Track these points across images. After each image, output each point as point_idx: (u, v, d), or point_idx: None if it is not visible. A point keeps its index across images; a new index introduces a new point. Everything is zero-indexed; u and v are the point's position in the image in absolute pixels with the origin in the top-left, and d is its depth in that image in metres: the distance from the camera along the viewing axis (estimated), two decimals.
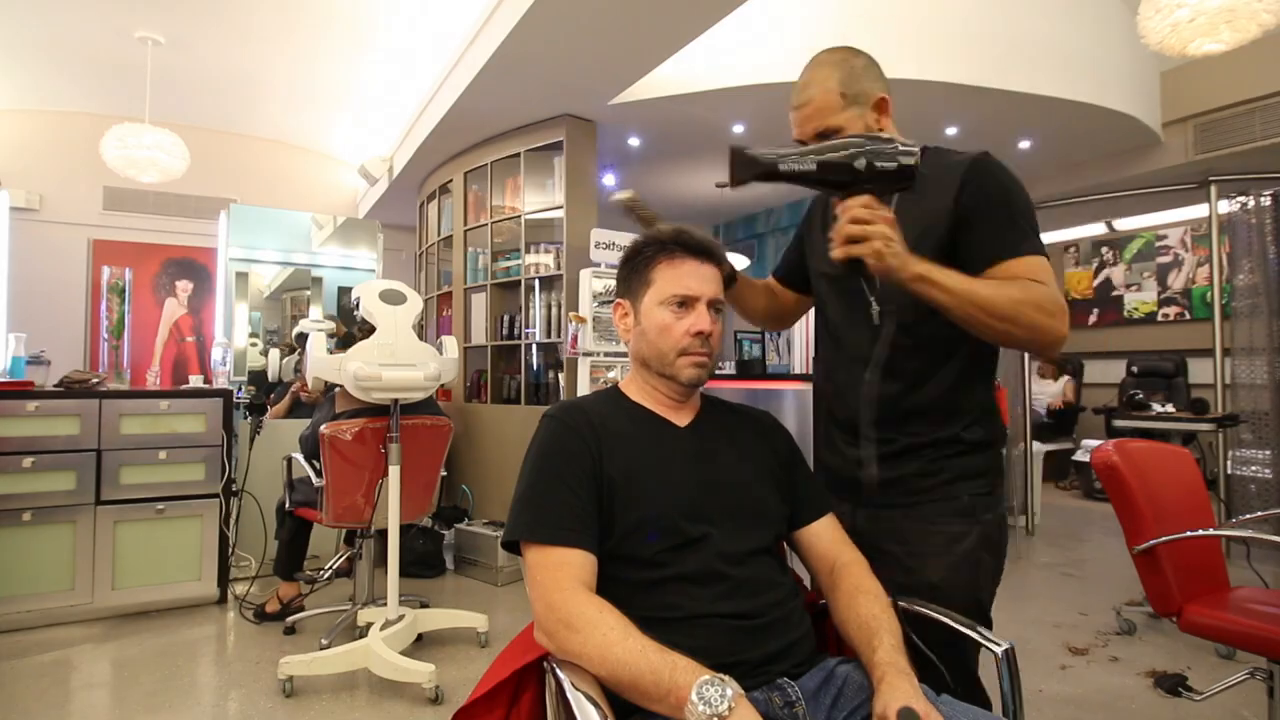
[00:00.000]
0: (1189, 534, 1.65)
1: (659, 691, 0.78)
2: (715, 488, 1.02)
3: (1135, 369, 6.30)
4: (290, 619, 2.83)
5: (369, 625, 2.46)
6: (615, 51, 3.17)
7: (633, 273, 1.11)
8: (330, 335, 2.70)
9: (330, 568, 3.16)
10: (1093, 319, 7.14)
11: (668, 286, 1.06)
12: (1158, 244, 6.69)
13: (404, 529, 2.91)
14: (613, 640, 0.83)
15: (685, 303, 1.06)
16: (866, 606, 0.99)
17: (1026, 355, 4.61)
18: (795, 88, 1.17)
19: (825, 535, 1.11)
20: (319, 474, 2.58)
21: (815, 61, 1.17)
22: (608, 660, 0.82)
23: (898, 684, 0.85)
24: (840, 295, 1.20)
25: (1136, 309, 6.83)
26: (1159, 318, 6.67)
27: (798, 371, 4.36)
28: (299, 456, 2.81)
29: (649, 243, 1.10)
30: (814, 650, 1.01)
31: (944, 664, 1.01)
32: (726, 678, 0.77)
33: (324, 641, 2.51)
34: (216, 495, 3.10)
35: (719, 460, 1.06)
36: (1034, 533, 4.48)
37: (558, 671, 0.85)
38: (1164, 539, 1.62)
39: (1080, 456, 5.83)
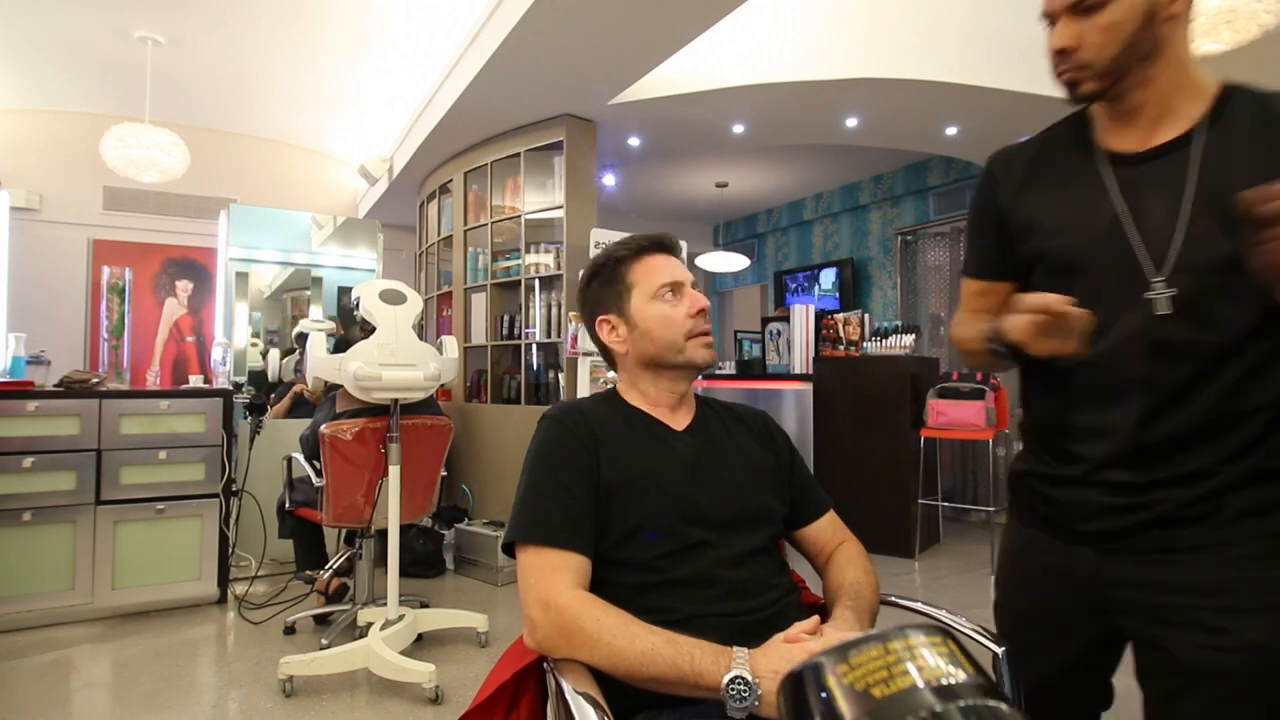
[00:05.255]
0: None
1: (685, 684, 0.81)
2: (713, 492, 1.02)
3: None
4: (291, 619, 2.83)
5: (369, 625, 2.46)
6: (615, 51, 3.17)
7: (606, 285, 1.11)
8: (329, 335, 2.70)
9: (330, 568, 3.16)
10: None
11: (653, 279, 1.08)
12: None
13: (404, 529, 2.91)
14: (621, 646, 0.83)
15: (675, 289, 1.08)
16: (853, 575, 1.04)
17: None
18: None
19: (826, 529, 1.13)
20: (319, 474, 2.58)
21: None
22: (622, 662, 0.83)
23: (840, 619, 0.93)
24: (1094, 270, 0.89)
25: None
26: None
27: (798, 371, 4.36)
28: (299, 456, 2.81)
29: (610, 253, 1.13)
30: None
31: None
32: (737, 655, 0.80)
33: (324, 641, 2.51)
34: (216, 495, 3.10)
35: (716, 464, 1.06)
36: None
37: (556, 673, 0.85)
38: None
39: None
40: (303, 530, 3.08)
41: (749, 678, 0.77)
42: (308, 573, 3.13)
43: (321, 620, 2.89)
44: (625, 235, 1.16)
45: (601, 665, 0.84)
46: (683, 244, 1.28)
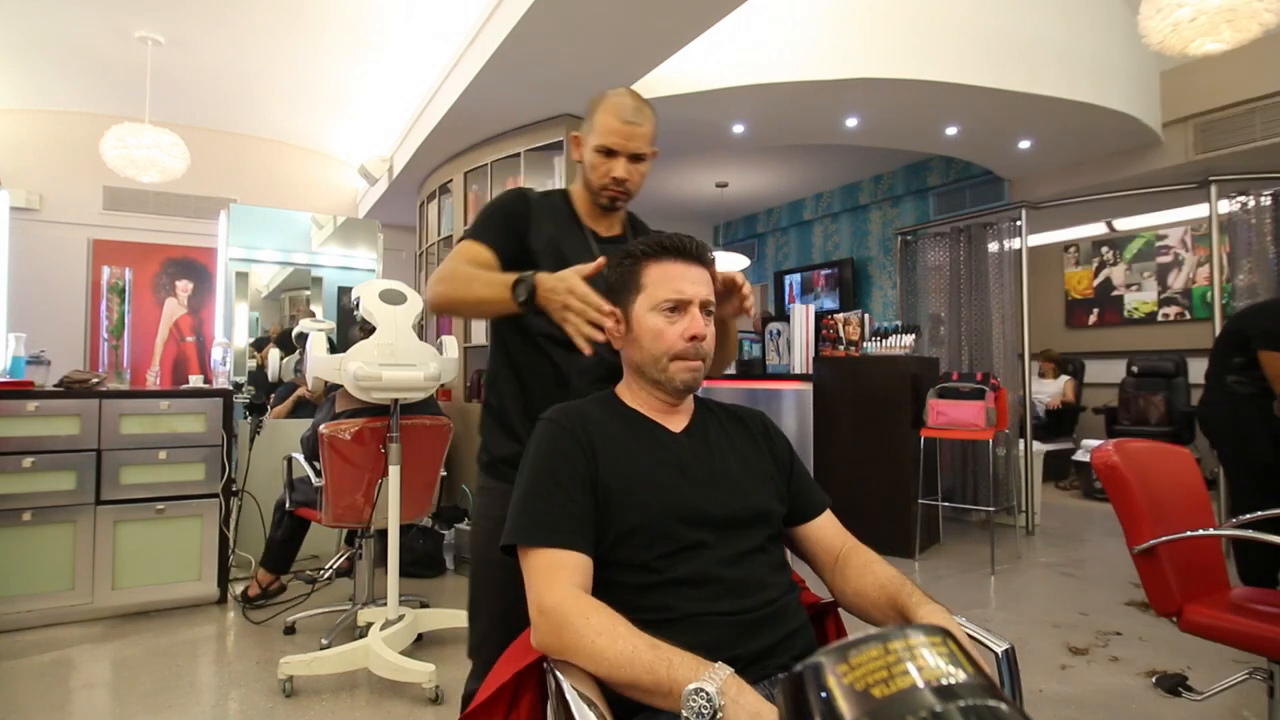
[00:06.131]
0: (1189, 534, 1.65)
1: (660, 691, 0.78)
2: (709, 492, 1.02)
3: (1135, 369, 6.30)
4: (291, 619, 2.83)
5: (369, 625, 2.46)
6: (615, 51, 3.16)
7: (622, 278, 1.10)
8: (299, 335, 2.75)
9: (330, 568, 3.17)
10: (1093, 319, 7.15)
11: (659, 291, 1.05)
12: (1158, 244, 6.69)
13: (404, 529, 2.91)
14: (603, 645, 0.82)
15: (678, 307, 1.05)
16: (883, 571, 1.02)
17: (1026, 355, 4.60)
18: (631, 108, 1.29)
19: (827, 529, 1.13)
20: (319, 474, 2.58)
21: (639, 98, 1.32)
22: (603, 662, 0.82)
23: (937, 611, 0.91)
24: None
25: (1137, 309, 6.83)
26: (1159, 318, 6.67)
27: (798, 371, 4.36)
28: (299, 456, 2.81)
29: (637, 247, 1.10)
30: (813, 645, 1.01)
31: None
32: (715, 670, 0.75)
33: (324, 641, 2.51)
34: (216, 495, 3.10)
35: (713, 464, 1.06)
36: (1034, 533, 4.48)
37: (556, 673, 0.85)
38: (1164, 539, 1.62)
39: (1080, 456, 5.83)
40: (289, 536, 3.08)
41: (712, 692, 0.72)
42: (307, 571, 3.13)
43: (249, 600, 3.04)
44: (661, 232, 1.12)
45: (585, 664, 0.83)
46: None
